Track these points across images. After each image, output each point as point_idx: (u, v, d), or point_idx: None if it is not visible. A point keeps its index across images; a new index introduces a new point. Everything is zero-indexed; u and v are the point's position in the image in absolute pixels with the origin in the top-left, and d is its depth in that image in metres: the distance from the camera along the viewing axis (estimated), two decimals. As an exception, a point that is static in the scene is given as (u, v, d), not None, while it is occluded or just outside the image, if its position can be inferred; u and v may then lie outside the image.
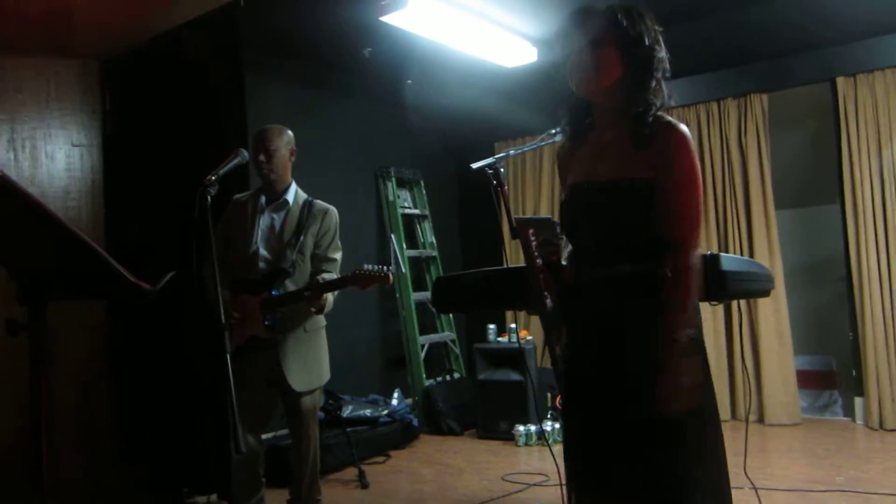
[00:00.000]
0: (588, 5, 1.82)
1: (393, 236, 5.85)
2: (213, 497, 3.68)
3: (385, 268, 2.83)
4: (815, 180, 5.70)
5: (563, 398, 1.98)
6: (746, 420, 3.21)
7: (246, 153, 2.58)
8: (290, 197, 3.15)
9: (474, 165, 2.36)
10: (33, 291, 1.43)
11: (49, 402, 1.56)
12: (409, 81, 5.72)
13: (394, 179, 6.00)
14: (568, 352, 1.92)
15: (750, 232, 5.31)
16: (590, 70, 1.77)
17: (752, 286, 2.54)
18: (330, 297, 2.98)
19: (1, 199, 1.29)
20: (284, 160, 3.12)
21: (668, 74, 1.80)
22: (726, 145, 5.41)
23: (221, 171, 2.42)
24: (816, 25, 4.86)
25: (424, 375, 5.73)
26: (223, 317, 2.19)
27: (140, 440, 3.89)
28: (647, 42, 1.75)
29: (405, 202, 6.14)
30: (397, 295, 5.84)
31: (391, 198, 5.95)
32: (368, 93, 5.72)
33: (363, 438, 4.56)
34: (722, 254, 2.32)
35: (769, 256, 5.17)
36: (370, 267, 2.84)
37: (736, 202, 5.36)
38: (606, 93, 1.80)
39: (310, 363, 3.04)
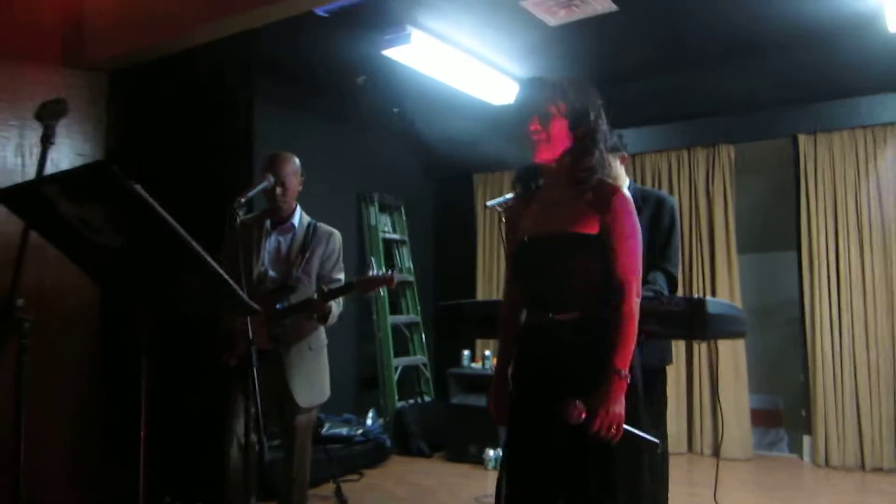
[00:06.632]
0: (540, 77, 2.05)
1: (373, 259, 5.98)
2: (199, 506, 3.73)
3: (390, 271, 2.99)
4: (775, 227, 5.99)
5: (510, 430, 2.20)
6: (718, 453, 3.43)
7: (273, 178, 2.71)
8: (295, 221, 3.27)
9: (489, 203, 2.53)
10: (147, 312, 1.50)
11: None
12: (396, 110, 5.91)
13: (376, 204, 6.16)
14: (517, 390, 2.19)
15: (713, 274, 5.61)
16: (542, 141, 1.96)
17: (733, 328, 2.75)
18: (335, 308, 3.11)
19: (135, 217, 1.35)
20: (295, 188, 3.25)
21: (608, 145, 2.03)
22: (695, 191, 5.72)
23: (250, 194, 2.55)
24: (782, 85, 5.18)
25: (397, 397, 5.85)
26: (250, 333, 2.32)
27: (127, 445, 3.91)
28: (591, 116, 1.98)
29: (385, 227, 6.29)
30: (374, 317, 5.97)
31: (373, 222, 6.09)
32: (355, 119, 5.88)
33: (339, 456, 4.65)
34: (707, 297, 2.53)
35: (730, 298, 5.45)
36: (373, 272, 2.99)
37: (701, 245, 5.66)
38: (557, 160, 2.00)
39: (314, 380, 3.16)
